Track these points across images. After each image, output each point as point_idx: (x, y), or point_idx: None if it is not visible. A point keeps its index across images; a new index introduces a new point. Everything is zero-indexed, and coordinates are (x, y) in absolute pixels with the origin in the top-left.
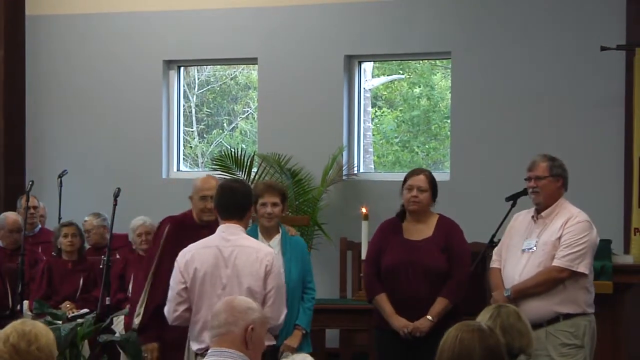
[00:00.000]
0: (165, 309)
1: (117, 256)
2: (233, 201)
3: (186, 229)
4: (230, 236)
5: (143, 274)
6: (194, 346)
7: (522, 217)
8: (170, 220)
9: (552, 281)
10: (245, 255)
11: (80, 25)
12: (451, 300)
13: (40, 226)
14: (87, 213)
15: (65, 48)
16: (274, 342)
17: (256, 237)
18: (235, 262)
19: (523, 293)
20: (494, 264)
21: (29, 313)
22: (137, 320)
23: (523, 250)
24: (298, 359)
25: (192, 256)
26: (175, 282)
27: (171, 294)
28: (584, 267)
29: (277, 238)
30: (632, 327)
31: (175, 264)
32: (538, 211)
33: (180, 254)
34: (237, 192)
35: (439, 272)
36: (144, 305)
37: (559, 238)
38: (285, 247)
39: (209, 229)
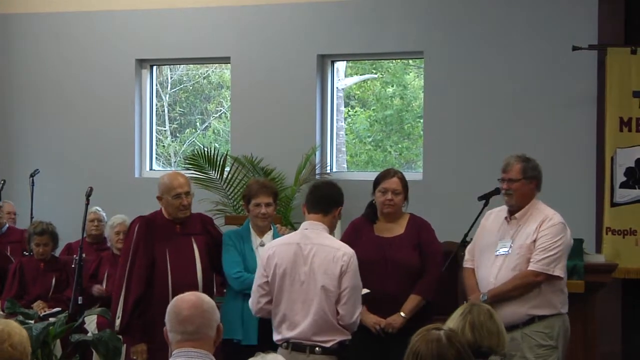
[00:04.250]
0: (250, 301)
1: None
2: (319, 194)
3: (157, 225)
4: (311, 234)
5: (119, 275)
6: (274, 337)
7: (494, 216)
8: (139, 219)
9: (528, 285)
10: (324, 254)
11: (53, 24)
12: (424, 298)
13: (7, 225)
14: (59, 212)
15: (38, 47)
16: (349, 337)
17: (249, 233)
18: (313, 260)
19: (500, 297)
20: (466, 263)
21: (1, 312)
22: (118, 322)
23: (497, 252)
24: (269, 358)
25: (274, 252)
26: (258, 276)
27: (254, 286)
28: (559, 271)
29: (269, 235)
30: (603, 326)
31: (259, 257)
32: (511, 212)
33: (264, 248)
34: (325, 187)
35: (412, 269)
36: (122, 307)
37: (534, 241)
38: None
39: (181, 224)
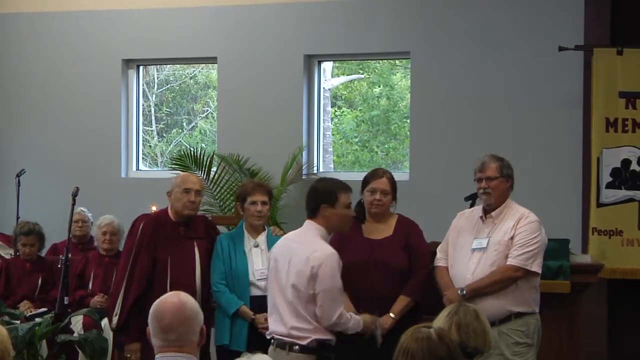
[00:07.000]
0: None
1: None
2: (307, 198)
3: (162, 225)
4: (303, 232)
5: (120, 272)
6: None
7: (467, 216)
8: (144, 217)
9: (507, 280)
10: (301, 253)
11: (39, 24)
12: (413, 299)
13: None
14: (45, 212)
15: (24, 46)
16: (330, 337)
17: (242, 233)
18: (292, 258)
19: (478, 292)
20: (439, 262)
21: None
22: (115, 320)
23: (473, 249)
24: (255, 358)
25: (274, 247)
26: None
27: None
28: (536, 267)
29: (264, 236)
30: (589, 327)
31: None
32: (487, 211)
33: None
34: (312, 190)
35: (401, 270)
36: (121, 305)
37: (512, 238)
38: (270, 246)
39: (185, 225)
